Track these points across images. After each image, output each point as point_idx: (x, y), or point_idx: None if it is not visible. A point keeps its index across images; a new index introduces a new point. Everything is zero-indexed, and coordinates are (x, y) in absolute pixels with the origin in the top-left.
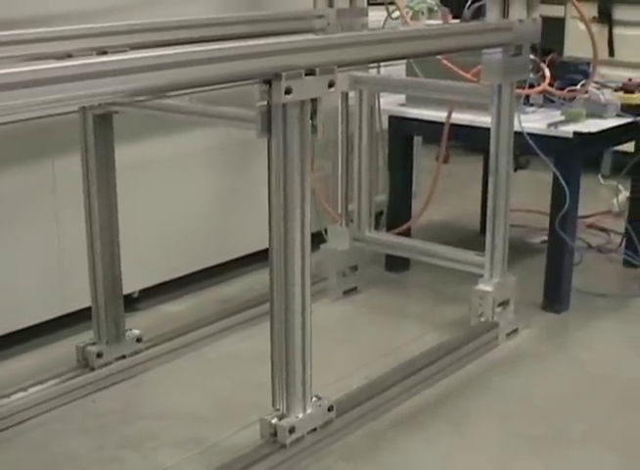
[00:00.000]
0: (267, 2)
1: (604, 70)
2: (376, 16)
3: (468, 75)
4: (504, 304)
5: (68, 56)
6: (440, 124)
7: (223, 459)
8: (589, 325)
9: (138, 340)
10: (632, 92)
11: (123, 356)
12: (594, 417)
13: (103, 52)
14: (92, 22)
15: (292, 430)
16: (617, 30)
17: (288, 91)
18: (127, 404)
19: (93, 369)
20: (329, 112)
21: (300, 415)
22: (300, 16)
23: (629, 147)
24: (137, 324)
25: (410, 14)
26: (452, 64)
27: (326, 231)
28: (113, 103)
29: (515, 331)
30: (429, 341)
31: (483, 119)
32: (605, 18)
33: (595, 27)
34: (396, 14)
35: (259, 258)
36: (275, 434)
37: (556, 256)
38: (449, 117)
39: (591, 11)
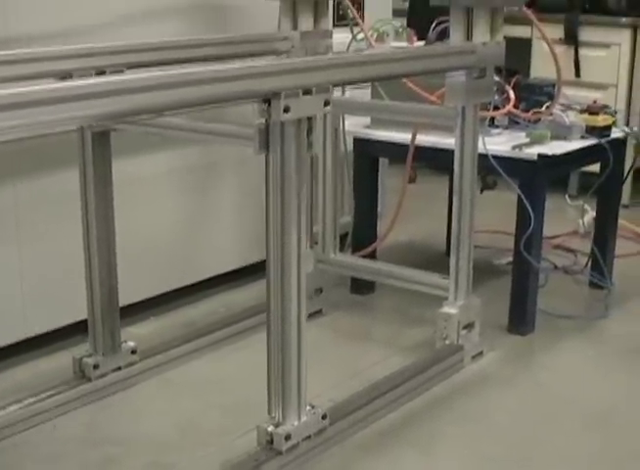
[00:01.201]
0: (233, 25)
1: (570, 91)
2: (340, 37)
3: (432, 97)
4: (469, 326)
5: (69, 75)
6: (405, 146)
7: None
8: (554, 347)
9: (133, 352)
10: (597, 114)
11: (119, 368)
12: (559, 440)
13: (101, 71)
14: (64, 42)
15: (287, 437)
16: (583, 51)
17: (286, 109)
18: (90, 428)
19: (90, 380)
20: None
21: (296, 423)
22: (265, 38)
23: (596, 167)
24: None
25: (375, 36)
26: (417, 85)
27: None
28: None
29: (480, 354)
30: (394, 363)
31: (448, 141)
32: (571, 39)
33: (561, 48)
34: (361, 36)
35: (223, 280)
36: (271, 441)
37: (521, 278)
38: (413, 139)
39: (558, 32)
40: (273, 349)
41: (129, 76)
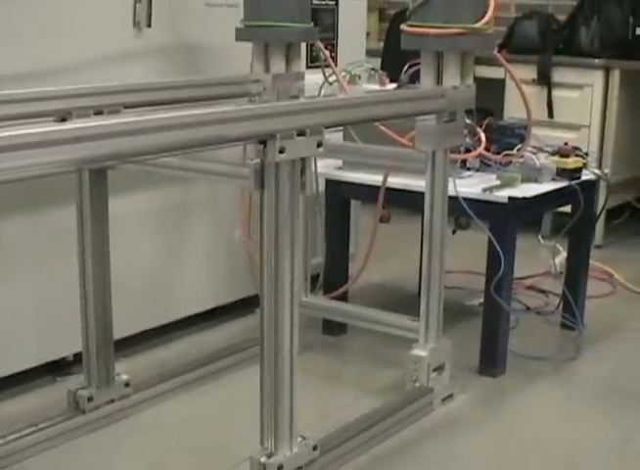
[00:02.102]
0: (204, 67)
1: (544, 132)
2: (313, 79)
3: (403, 141)
4: (439, 368)
5: (69, 114)
6: (377, 188)
7: None
8: (525, 389)
9: (127, 384)
10: (567, 156)
11: (113, 400)
12: None
13: (99, 111)
14: (36, 85)
15: (280, 467)
16: (556, 92)
17: (281, 150)
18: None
19: (84, 412)
20: None
21: (288, 454)
22: (237, 81)
23: (569, 207)
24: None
25: (347, 78)
26: (388, 128)
27: None
28: None
29: (450, 396)
30: (364, 406)
31: (419, 183)
32: (544, 80)
33: (535, 89)
34: (333, 78)
35: (193, 321)
36: None
37: (491, 320)
38: (385, 181)
39: (531, 73)
40: (266, 380)
41: (129, 119)
